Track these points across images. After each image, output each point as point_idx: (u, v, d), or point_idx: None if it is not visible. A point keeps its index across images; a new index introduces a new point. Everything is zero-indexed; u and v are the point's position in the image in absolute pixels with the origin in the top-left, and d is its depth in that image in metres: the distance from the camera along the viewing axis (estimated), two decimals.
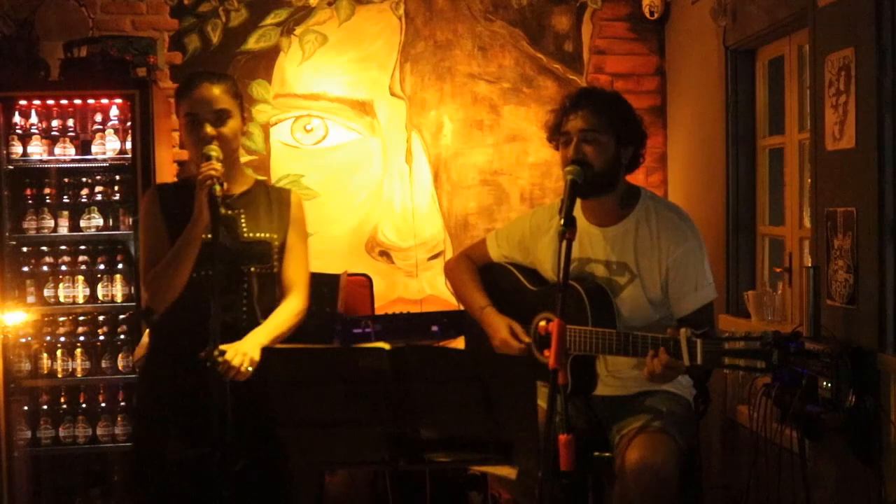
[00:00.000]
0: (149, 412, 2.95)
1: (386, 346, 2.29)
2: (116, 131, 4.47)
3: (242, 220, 2.96)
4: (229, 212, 2.90)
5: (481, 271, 3.28)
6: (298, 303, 2.98)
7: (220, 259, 2.76)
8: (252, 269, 2.92)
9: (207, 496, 2.68)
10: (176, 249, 2.82)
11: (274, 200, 3.02)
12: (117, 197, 4.51)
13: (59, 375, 4.44)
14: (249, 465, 2.79)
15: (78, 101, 4.51)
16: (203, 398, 2.68)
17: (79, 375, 4.44)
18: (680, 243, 2.94)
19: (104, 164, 4.49)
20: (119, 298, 4.46)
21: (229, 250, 2.86)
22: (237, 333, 2.81)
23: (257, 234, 2.95)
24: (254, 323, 2.89)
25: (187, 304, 2.84)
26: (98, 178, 4.51)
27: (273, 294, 2.98)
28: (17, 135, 4.45)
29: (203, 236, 2.79)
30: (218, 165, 2.77)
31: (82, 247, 4.52)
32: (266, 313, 2.93)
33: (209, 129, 2.85)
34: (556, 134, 3.00)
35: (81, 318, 4.51)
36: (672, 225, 2.97)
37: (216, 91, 2.89)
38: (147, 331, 3.79)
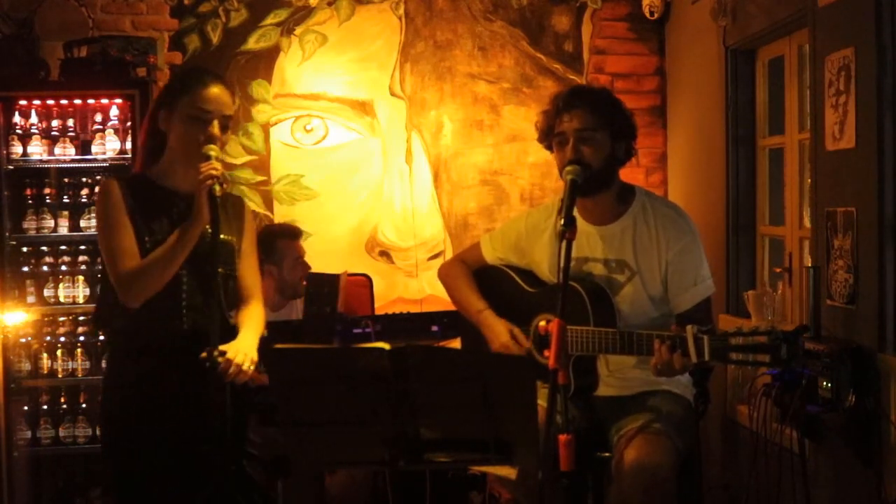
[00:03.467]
0: (122, 420, 2.82)
1: (386, 346, 2.29)
2: (116, 131, 4.47)
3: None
4: None
5: (476, 275, 3.25)
6: (263, 311, 2.97)
7: (192, 259, 2.75)
8: (220, 269, 2.80)
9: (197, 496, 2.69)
10: (170, 247, 2.73)
11: (229, 205, 2.94)
12: None
13: (59, 375, 4.44)
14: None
15: (78, 101, 4.51)
16: (182, 399, 2.72)
17: (79, 375, 4.44)
18: (679, 239, 2.95)
19: (104, 164, 4.48)
20: None
21: (198, 250, 2.79)
22: (209, 335, 2.70)
23: (221, 235, 2.82)
24: (225, 324, 2.81)
25: (157, 303, 2.76)
26: (98, 178, 4.50)
27: (235, 296, 2.91)
28: (17, 135, 4.44)
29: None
30: (218, 165, 2.76)
31: (82, 247, 4.51)
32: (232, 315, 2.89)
33: (217, 131, 2.80)
34: (550, 135, 2.98)
35: (81, 318, 4.50)
36: (670, 221, 2.98)
37: (228, 97, 2.86)
38: None
